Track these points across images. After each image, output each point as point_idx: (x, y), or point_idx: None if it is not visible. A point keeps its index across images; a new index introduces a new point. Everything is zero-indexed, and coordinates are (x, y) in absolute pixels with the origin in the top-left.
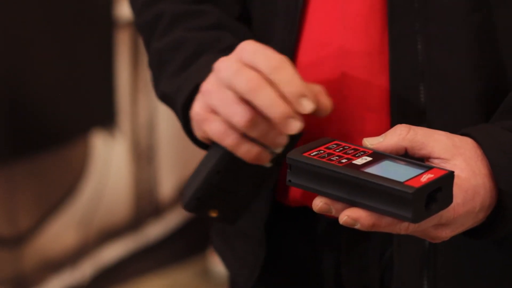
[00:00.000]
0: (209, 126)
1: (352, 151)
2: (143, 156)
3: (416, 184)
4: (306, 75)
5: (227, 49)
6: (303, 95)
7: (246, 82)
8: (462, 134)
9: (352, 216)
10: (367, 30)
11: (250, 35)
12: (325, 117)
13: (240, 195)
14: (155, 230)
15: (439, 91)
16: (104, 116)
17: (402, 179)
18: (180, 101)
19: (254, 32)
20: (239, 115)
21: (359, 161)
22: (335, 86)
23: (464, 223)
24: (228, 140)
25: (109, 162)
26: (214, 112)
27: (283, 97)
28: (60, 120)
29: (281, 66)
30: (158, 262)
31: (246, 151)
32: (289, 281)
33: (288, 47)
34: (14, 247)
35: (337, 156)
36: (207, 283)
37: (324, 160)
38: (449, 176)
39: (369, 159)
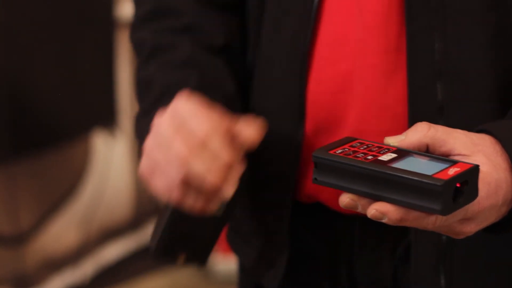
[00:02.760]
0: (154, 184)
1: (377, 148)
2: None
3: (444, 176)
4: (323, 71)
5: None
6: (230, 166)
7: (178, 151)
8: (478, 131)
9: (380, 210)
10: (385, 28)
11: (220, 73)
12: (342, 115)
13: (203, 237)
14: None
15: (456, 89)
16: (105, 116)
17: (429, 173)
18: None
19: (265, 30)
20: (176, 177)
21: (384, 157)
22: (352, 83)
23: (488, 217)
24: (173, 196)
25: (109, 161)
26: (155, 170)
27: (213, 166)
28: (61, 119)
29: (210, 136)
30: (159, 261)
31: (190, 206)
32: (304, 276)
33: (303, 44)
34: (16, 246)
35: (362, 153)
36: (207, 282)
37: (350, 157)
38: (475, 169)
39: (394, 155)
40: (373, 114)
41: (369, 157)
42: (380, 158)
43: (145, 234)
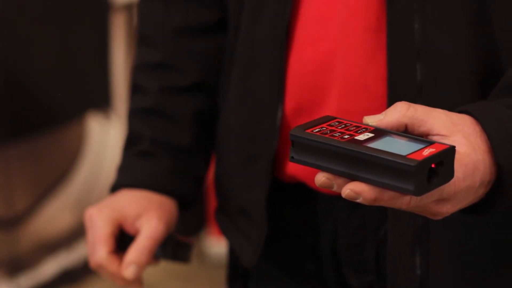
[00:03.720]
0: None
1: (354, 127)
2: None
3: (418, 157)
4: (305, 51)
5: (143, 154)
6: (99, 266)
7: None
8: (460, 111)
9: (354, 189)
10: (366, 8)
11: (179, 122)
12: (323, 95)
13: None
14: None
15: (435, 70)
16: (100, 99)
17: (404, 153)
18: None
19: (246, 10)
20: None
21: (361, 137)
22: (333, 63)
23: (464, 198)
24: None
25: (104, 144)
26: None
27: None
28: (56, 102)
29: (97, 247)
30: None
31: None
32: (288, 257)
33: (282, 23)
34: (10, 229)
35: (339, 132)
36: (202, 265)
37: (327, 136)
38: (451, 150)
39: (371, 135)
40: (354, 94)
41: (346, 137)
42: (356, 137)
43: None
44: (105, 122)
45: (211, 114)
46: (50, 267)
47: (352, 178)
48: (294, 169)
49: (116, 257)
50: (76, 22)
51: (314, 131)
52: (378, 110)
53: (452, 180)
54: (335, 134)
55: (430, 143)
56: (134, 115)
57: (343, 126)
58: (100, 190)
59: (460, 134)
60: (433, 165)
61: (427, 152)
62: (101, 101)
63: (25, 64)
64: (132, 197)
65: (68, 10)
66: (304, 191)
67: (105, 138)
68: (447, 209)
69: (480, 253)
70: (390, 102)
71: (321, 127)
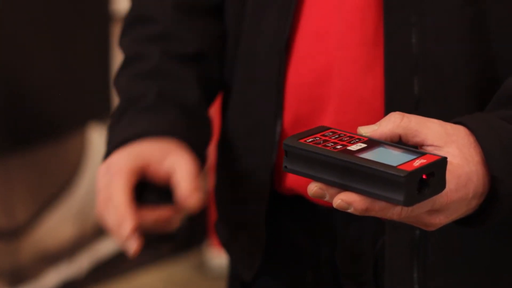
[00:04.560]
0: (105, 218)
1: (348, 138)
2: None
3: (408, 168)
4: (302, 66)
5: (149, 108)
6: (121, 223)
7: (98, 203)
8: (455, 123)
9: (345, 199)
10: (363, 22)
11: (185, 83)
12: (320, 108)
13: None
14: None
15: (432, 83)
16: (101, 110)
17: (395, 164)
18: (104, 158)
19: (247, 23)
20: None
21: (353, 147)
22: (330, 76)
23: (457, 210)
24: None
25: None
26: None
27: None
28: (57, 113)
29: (113, 193)
30: (155, 255)
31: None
32: (287, 269)
33: (282, 37)
34: (11, 240)
35: (332, 142)
36: (203, 276)
37: (319, 146)
38: (442, 161)
39: (363, 145)
40: (351, 107)
41: (338, 147)
42: (349, 148)
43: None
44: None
45: (216, 85)
46: (51, 278)
47: (344, 188)
48: (292, 181)
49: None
50: (77, 33)
51: (307, 141)
52: (374, 123)
53: (445, 191)
54: (327, 144)
55: (422, 154)
56: (135, 79)
57: (336, 136)
58: None
59: (454, 145)
60: (424, 176)
61: (418, 163)
62: (102, 112)
63: (27, 75)
64: (149, 143)
65: (69, 21)
66: (302, 203)
67: None
68: (440, 220)
69: (479, 265)
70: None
71: (315, 137)
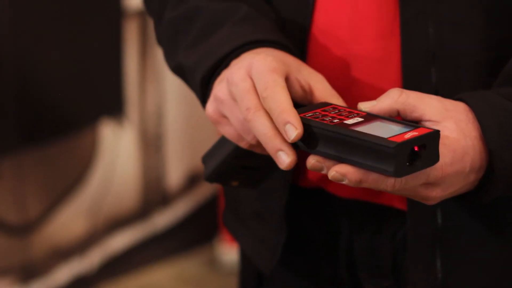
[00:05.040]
0: (223, 129)
1: (347, 113)
2: (151, 145)
3: (399, 139)
4: (317, 60)
5: (244, 20)
6: (286, 122)
7: (244, 110)
8: (456, 99)
9: (340, 171)
10: (378, 13)
11: (263, 3)
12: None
13: (261, 170)
14: (163, 219)
15: (450, 73)
16: (113, 105)
17: (386, 136)
18: (199, 75)
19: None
20: (248, 133)
21: (350, 121)
22: (347, 70)
23: (454, 184)
24: (242, 143)
25: (117, 151)
26: (226, 117)
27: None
28: (69, 109)
29: (270, 93)
30: (166, 251)
31: (261, 150)
32: (303, 261)
33: (300, 31)
34: (23, 235)
35: (330, 117)
36: (214, 272)
37: (317, 120)
38: (434, 134)
39: (360, 119)
40: (368, 99)
41: (335, 121)
42: (345, 121)
43: (153, 224)
44: (118, 128)
45: None
46: (63, 274)
47: (340, 160)
48: (311, 173)
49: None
50: (89, 29)
51: (307, 115)
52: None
53: (439, 165)
54: (325, 118)
55: (416, 127)
56: (209, 2)
57: (336, 111)
58: (113, 197)
59: (452, 120)
60: (416, 149)
61: (409, 135)
62: (114, 108)
63: (39, 71)
64: (279, 51)
65: (81, 17)
66: (320, 195)
67: (118, 144)
68: (436, 193)
69: (501, 256)
70: None
71: (315, 112)
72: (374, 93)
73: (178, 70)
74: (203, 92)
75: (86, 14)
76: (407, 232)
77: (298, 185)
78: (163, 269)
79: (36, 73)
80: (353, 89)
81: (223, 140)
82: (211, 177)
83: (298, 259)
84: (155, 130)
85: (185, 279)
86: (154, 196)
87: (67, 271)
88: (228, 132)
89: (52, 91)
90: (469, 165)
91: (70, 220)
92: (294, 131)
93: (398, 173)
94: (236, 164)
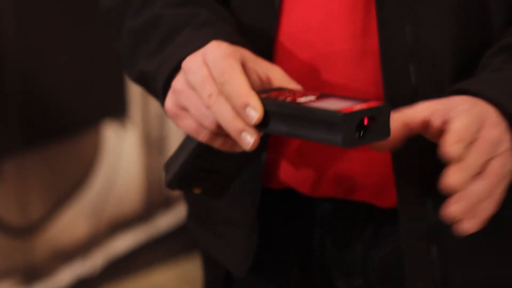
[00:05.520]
0: (182, 123)
1: (302, 94)
2: (154, 147)
3: (346, 110)
4: (286, 63)
5: (204, 24)
6: (246, 105)
7: (205, 96)
8: (455, 92)
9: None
10: (351, 14)
11: (223, 10)
12: None
13: (224, 173)
14: (166, 221)
15: (428, 71)
16: (116, 107)
17: (335, 108)
18: (161, 79)
19: (233, 5)
20: (208, 120)
21: (302, 99)
22: (318, 72)
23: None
24: (201, 136)
25: (120, 152)
26: (185, 109)
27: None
28: (72, 110)
29: (228, 77)
30: (169, 252)
31: (221, 144)
32: (274, 262)
33: (268, 34)
34: (25, 237)
35: (284, 97)
36: None
37: (270, 99)
38: (384, 107)
39: (313, 98)
40: None
41: (288, 100)
42: (298, 100)
43: (155, 226)
44: (121, 130)
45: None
46: (66, 276)
47: (291, 136)
48: (282, 174)
49: None
50: (91, 30)
51: (262, 96)
52: None
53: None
54: (279, 98)
55: (366, 100)
56: (169, 7)
57: (291, 93)
58: (116, 198)
59: (460, 102)
60: (366, 122)
61: (358, 107)
62: (116, 109)
63: (41, 72)
64: (233, 45)
65: (84, 18)
66: (289, 196)
67: (120, 146)
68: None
69: (504, 245)
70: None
71: (269, 94)
72: (349, 94)
73: (140, 78)
74: (165, 97)
75: (89, 16)
76: (400, 228)
77: (268, 187)
78: (166, 271)
79: (38, 75)
80: (326, 90)
81: (183, 144)
82: (173, 183)
83: (269, 261)
84: (158, 132)
85: (188, 280)
86: (156, 198)
87: (69, 273)
88: (188, 125)
89: (55, 92)
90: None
91: (72, 222)
92: (255, 113)
93: (346, 143)
94: (197, 166)
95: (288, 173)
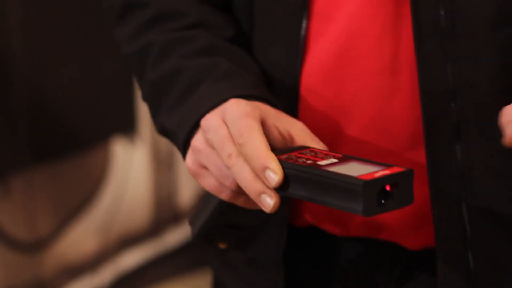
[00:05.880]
0: (203, 181)
1: (323, 155)
2: (163, 163)
3: (367, 177)
4: (315, 99)
5: (224, 77)
6: (265, 168)
7: (225, 156)
8: None
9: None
10: (379, 51)
11: (244, 56)
12: (339, 139)
13: (249, 229)
14: (174, 236)
15: (471, 109)
16: (125, 123)
17: (356, 174)
18: (182, 137)
19: (256, 40)
20: (229, 180)
21: (323, 162)
22: (344, 105)
23: None
24: (223, 195)
25: (129, 168)
26: (205, 168)
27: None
28: (81, 126)
29: (246, 139)
30: (177, 268)
31: (243, 202)
32: None
33: (293, 72)
34: (34, 252)
35: (305, 158)
36: None
37: (290, 161)
38: (408, 173)
39: (335, 160)
40: (371, 137)
41: (308, 162)
42: (318, 162)
43: (164, 241)
44: (130, 146)
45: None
46: None
47: (312, 201)
48: (309, 212)
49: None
50: (101, 46)
51: (282, 157)
52: (398, 153)
53: None
54: (299, 160)
55: (389, 166)
56: (191, 57)
57: (312, 154)
58: (124, 214)
59: None
60: (388, 188)
61: (380, 173)
62: (126, 125)
63: (49, 88)
64: (254, 102)
65: (94, 34)
66: (314, 234)
67: (129, 162)
68: None
69: None
70: (428, 143)
71: (290, 154)
72: (377, 132)
73: (162, 132)
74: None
75: (99, 31)
76: (437, 274)
77: (292, 225)
78: (174, 287)
79: (48, 90)
80: (355, 128)
81: (206, 200)
82: (198, 238)
83: None
84: (167, 148)
85: None
86: (165, 214)
87: None
88: (209, 183)
89: (64, 108)
90: None
91: (81, 238)
92: (274, 175)
93: (367, 212)
94: (221, 222)
95: (314, 212)
